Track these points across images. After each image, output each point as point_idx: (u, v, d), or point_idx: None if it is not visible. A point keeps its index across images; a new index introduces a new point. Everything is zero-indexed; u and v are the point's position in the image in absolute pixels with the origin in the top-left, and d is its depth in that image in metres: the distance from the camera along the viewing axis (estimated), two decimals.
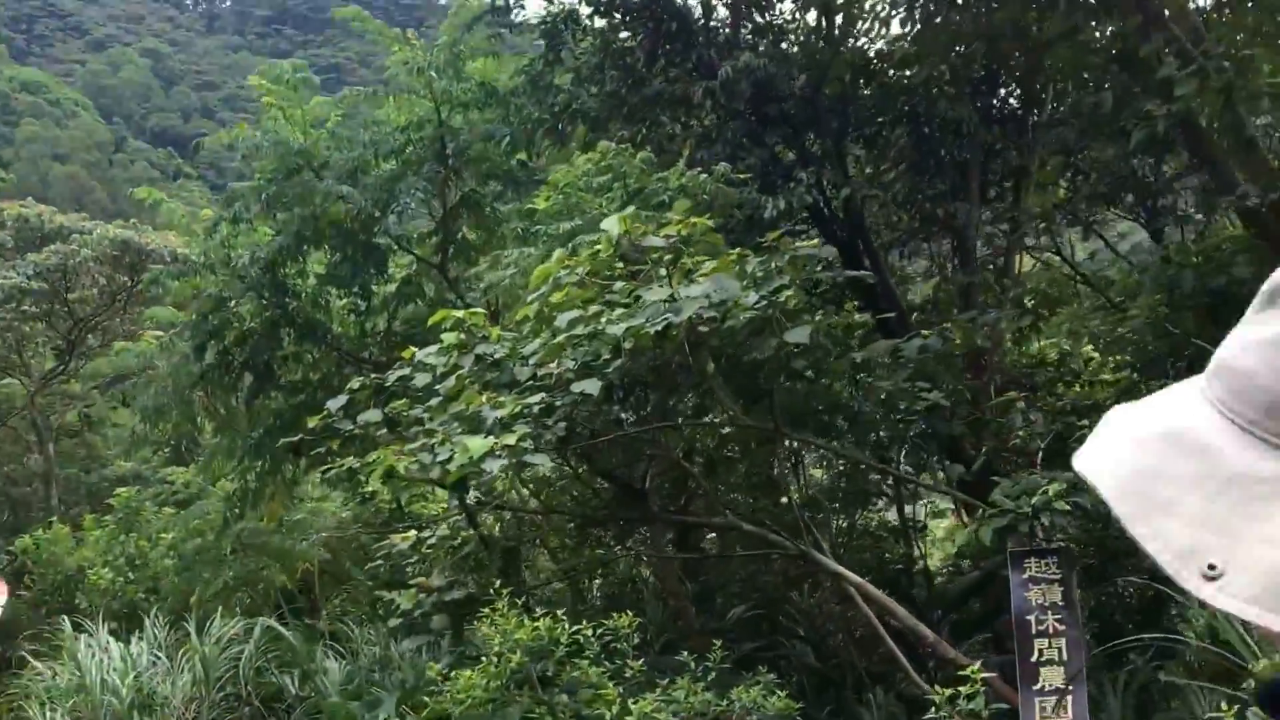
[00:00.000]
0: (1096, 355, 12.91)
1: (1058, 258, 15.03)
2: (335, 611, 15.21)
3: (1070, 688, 7.18)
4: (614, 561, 13.88)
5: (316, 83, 14.87)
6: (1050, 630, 7.37)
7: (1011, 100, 13.16)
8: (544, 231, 10.40)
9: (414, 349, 9.04)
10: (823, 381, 9.72)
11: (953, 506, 15.47)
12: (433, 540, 11.63)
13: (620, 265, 7.81)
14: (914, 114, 12.45)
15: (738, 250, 7.86)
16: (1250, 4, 10.48)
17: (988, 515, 7.86)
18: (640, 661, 7.53)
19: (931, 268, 14.78)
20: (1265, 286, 0.89)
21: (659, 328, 7.07)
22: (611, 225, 7.64)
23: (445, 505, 12.79)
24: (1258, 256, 8.68)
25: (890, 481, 13.56)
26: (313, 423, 8.99)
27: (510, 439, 7.20)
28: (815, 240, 8.32)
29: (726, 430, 11.37)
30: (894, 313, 11.03)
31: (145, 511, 19.23)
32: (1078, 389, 12.11)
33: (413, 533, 12.04)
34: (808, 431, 10.42)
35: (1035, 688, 7.27)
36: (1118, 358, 12.56)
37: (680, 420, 10.05)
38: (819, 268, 8.33)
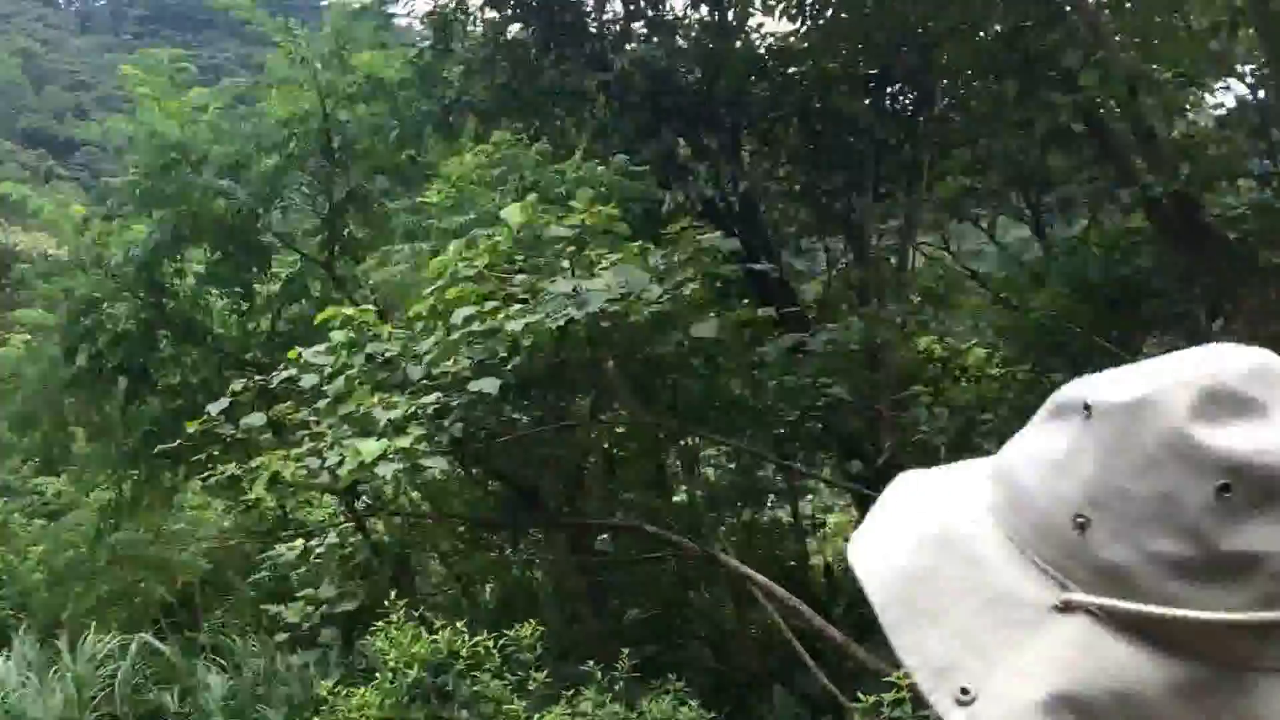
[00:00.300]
0: (983, 351, 12.95)
1: (946, 253, 15.10)
2: (217, 624, 14.70)
3: None
4: (507, 565, 13.61)
5: (195, 72, 14.33)
6: None
7: (904, 97, 13.18)
8: (435, 226, 10.11)
9: (300, 349, 8.73)
10: (721, 378, 9.57)
11: (843, 501, 15.51)
12: (321, 549, 11.24)
13: (520, 258, 7.57)
14: (807, 109, 12.40)
15: (639, 243, 7.67)
16: (1129, 3, 10.55)
17: None
18: (544, 673, 7.28)
19: (825, 262, 14.75)
20: (1054, 397, 0.80)
21: (561, 323, 6.84)
22: (512, 214, 7.38)
23: (332, 511, 12.42)
24: (1158, 248, 8.77)
25: (784, 477, 13.50)
26: (192, 428, 8.63)
27: (404, 441, 6.92)
28: (717, 233, 8.15)
29: (621, 429, 11.18)
30: (793, 308, 10.95)
31: (13, 524, 18.46)
32: (964, 384, 12.13)
33: (300, 541, 11.63)
34: (707, 428, 10.27)
35: None
36: (1003, 353, 12.61)
37: (578, 420, 9.83)
38: (721, 261, 8.19)
